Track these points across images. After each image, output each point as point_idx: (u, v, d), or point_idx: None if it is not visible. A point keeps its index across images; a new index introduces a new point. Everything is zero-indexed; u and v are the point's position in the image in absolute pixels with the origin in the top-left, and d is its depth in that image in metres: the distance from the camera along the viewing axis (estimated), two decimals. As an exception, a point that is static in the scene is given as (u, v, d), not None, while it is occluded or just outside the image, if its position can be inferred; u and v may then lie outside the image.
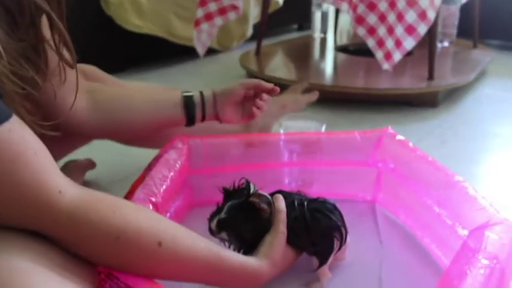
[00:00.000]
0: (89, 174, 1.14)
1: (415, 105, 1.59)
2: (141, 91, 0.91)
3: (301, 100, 1.24)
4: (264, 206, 0.69)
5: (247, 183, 0.72)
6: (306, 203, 0.74)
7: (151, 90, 0.92)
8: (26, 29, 0.63)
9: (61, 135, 0.76)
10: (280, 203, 0.72)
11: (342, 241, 0.75)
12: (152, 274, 0.59)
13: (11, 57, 0.58)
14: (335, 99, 1.62)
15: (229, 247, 0.71)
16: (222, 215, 0.70)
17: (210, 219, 0.71)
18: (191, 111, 0.91)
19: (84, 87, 0.87)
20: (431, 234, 0.83)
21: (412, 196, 0.87)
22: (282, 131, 1.01)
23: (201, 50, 1.86)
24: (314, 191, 0.80)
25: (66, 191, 0.55)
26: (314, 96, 1.27)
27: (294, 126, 1.02)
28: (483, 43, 2.23)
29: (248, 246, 0.70)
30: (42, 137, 0.57)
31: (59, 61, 0.69)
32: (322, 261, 0.74)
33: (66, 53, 0.68)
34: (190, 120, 0.92)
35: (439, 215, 0.80)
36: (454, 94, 1.70)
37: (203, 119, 0.93)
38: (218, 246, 0.65)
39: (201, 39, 1.84)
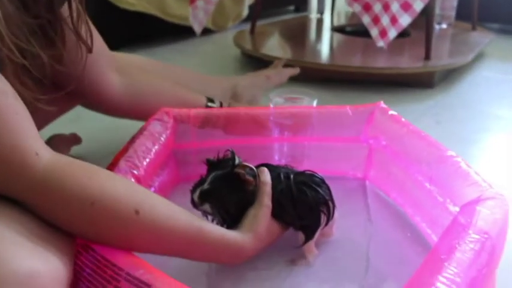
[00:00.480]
0: (75, 150, 1.12)
1: (411, 85, 1.57)
2: (173, 87, 0.97)
3: (284, 72, 1.25)
4: (249, 177, 0.67)
5: (232, 154, 0.69)
6: (292, 176, 0.71)
7: (184, 90, 0.98)
8: (43, 7, 0.66)
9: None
10: (266, 175, 0.69)
11: (329, 216, 0.73)
12: (130, 245, 0.57)
13: (18, 29, 0.60)
14: (331, 79, 1.59)
15: (212, 221, 0.69)
16: (205, 186, 0.67)
17: (193, 190, 0.69)
18: None
19: (115, 65, 0.90)
20: (422, 212, 0.80)
21: (403, 173, 0.85)
22: (272, 106, 0.98)
23: (197, 28, 1.81)
24: (304, 168, 0.77)
25: (43, 154, 0.54)
26: (296, 70, 1.28)
27: (284, 102, 0.99)
28: (483, 26, 2.20)
29: (232, 220, 0.67)
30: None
31: (77, 40, 0.72)
32: (309, 237, 0.71)
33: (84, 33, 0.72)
34: None
35: (430, 191, 0.77)
36: (451, 75, 1.67)
37: None
38: (200, 219, 0.63)
39: (197, 17, 1.80)
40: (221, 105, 1.00)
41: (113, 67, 0.90)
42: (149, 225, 0.57)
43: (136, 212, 0.56)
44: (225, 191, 0.67)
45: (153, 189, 0.86)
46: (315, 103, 0.98)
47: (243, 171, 0.67)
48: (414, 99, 1.47)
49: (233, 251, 0.63)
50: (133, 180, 0.74)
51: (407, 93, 1.52)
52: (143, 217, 0.56)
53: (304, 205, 0.70)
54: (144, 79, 0.96)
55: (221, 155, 0.71)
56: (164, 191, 0.90)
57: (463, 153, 1.10)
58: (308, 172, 0.74)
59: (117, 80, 0.90)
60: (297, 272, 0.72)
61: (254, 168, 0.68)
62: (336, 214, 0.75)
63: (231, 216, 0.68)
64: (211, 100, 1.01)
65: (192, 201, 0.68)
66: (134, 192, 0.59)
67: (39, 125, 0.97)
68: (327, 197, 0.72)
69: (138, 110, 0.95)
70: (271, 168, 0.72)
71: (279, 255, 0.73)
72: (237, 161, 0.69)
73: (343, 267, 0.74)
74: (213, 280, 0.70)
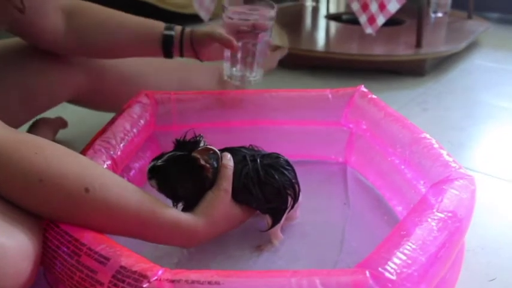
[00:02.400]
0: (61, 134, 1.12)
1: (403, 73, 1.56)
2: (122, 22, 0.90)
3: (273, 56, 1.23)
4: (205, 164, 0.65)
5: (198, 137, 0.68)
6: (259, 159, 0.70)
7: (133, 23, 0.90)
8: None
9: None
10: (227, 159, 0.67)
11: (296, 199, 0.72)
12: (83, 223, 0.57)
13: None
14: (324, 67, 1.59)
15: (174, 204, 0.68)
16: (159, 162, 0.66)
17: (150, 162, 0.68)
18: (168, 50, 0.90)
19: (59, 6, 0.87)
20: (398, 195, 0.80)
21: (381, 156, 0.85)
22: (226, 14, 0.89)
23: (204, 16, 1.78)
24: (286, 152, 0.76)
25: None
26: (284, 50, 1.26)
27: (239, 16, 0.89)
28: (481, 15, 2.18)
29: (187, 203, 0.67)
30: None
31: None
32: (276, 220, 0.71)
33: None
34: (168, 56, 0.91)
35: (405, 174, 0.77)
36: (443, 64, 1.67)
37: (181, 55, 0.92)
38: (155, 200, 0.62)
39: (204, 4, 1.77)
40: (182, 32, 0.90)
41: (58, 9, 0.86)
42: (99, 204, 0.57)
43: (86, 190, 0.56)
44: (175, 171, 0.65)
45: (133, 171, 0.87)
46: (273, 12, 0.88)
47: (199, 156, 0.65)
48: (404, 87, 1.47)
49: (185, 234, 0.62)
50: (108, 161, 0.75)
51: (398, 81, 1.52)
52: (93, 195, 0.56)
53: (271, 188, 0.69)
54: (91, 18, 0.90)
55: (192, 137, 0.70)
56: (145, 174, 0.91)
57: (447, 140, 1.12)
58: (274, 154, 0.73)
59: (61, 21, 0.87)
60: (269, 251, 0.72)
61: (217, 152, 0.67)
62: (301, 198, 0.74)
63: (178, 197, 0.67)
64: (169, 27, 0.90)
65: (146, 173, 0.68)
66: (85, 169, 0.58)
67: (37, 110, 0.99)
68: (294, 180, 0.71)
69: (85, 50, 0.92)
70: (236, 151, 0.71)
71: (244, 241, 0.73)
72: (201, 145, 0.67)
73: (319, 246, 0.74)
74: (183, 258, 0.70)
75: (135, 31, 0.90)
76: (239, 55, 0.89)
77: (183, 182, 0.66)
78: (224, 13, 0.88)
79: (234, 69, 0.91)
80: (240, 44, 0.88)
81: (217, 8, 2.28)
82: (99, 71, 1.01)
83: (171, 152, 0.68)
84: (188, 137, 0.70)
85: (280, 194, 0.70)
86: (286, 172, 0.70)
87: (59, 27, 0.87)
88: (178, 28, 0.90)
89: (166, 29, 0.89)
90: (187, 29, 0.91)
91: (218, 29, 0.89)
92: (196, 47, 0.90)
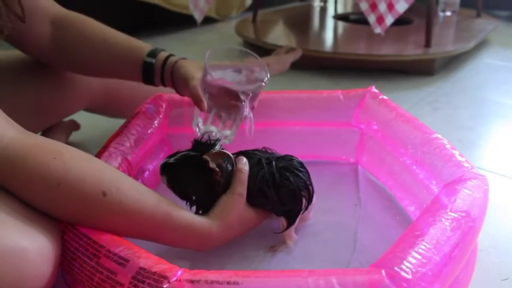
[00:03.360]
0: (74, 136, 1.13)
1: (412, 73, 1.56)
2: (107, 40, 0.85)
3: (286, 58, 1.22)
4: (215, 168, 0.65)
5: (215, 140, 0.69)
6: (274, 162, 0.70)
7: (118, 43, 0.85)
8: None
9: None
10: (242, 163, 0.68)
11: (309, 200, 0.73)
12: (100, 226, 0.58)
13: None
14: (332, 67, 1.59)
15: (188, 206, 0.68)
16: (171, 159, 0.67)
17: (166, 158, 0.69)
18: (149, 78, 0.84)
19: (50, 15, 0.85)
20: (410, 195, 0.81)
21: (393, 156, 0.85)
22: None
23: (198, 17, 1.81)
24: (298, 153, 0.77)
25: (4, 134, 0.55)
26: (298, 53, 1.25)
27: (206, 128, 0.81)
28: (490, 14, 2.17)
29: (199, 205, 0.68)
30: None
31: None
32: (291, 222, 0.71)
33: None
34: (148, 84, 0.86)
35: (417, 174, 0.78)
36: (452, 63, 1.67)
37: (164, 85, 0.86)
38: (170, 202, 0.62)
39: (198, 6, 1.80)
40: (166, 60, 0.83)
41: (47, 19, 0.85)
42: (116, 208, 0.58)
43: (104, 194, 0.56)
44: (185, 171, 0.66)
45: (147, 173, 0.88)
46: (266, 80, 0.80)
47: (209, 159, 0.65)
48: (413, 86, 1.47)
49: (199, 238, 0.63)
50: (120, 163, 0.76)
51: (408, 80, 1.52)
52: (110, 198, 0.57)
53: (287, 190, 0.69)
54: (77, 31, 0.85)
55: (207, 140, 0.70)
56: (158, 176, 0.92)
57: (458, 138, 1.12)
58: (288, 156, 0.73)
59: (48, 33, 0.84)
60: (283, 251, 0.73)
61: (231, 156, 0.67)
62: (314, 199, 0.75)
63: (188, 198, 0.68)
64: (152, 53, 0.83)
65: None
66: (101, 173, 0.59)
67: (50, 122, 1.00)
68: (308, 182, 0.72)
69: (67, 63, 0.89)
70: (250, 154, 0.71)
71: (259, 242, 0.74)
72: (217, 148, 0.68)
73: (331, 247, 0.75)
74: (197, 259, 0.71)
75: (119, 52, 0.85)
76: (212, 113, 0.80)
77: (192, 182, 0.67)
78: (205, 63, 0.77)
79: (200, 120, 0.81)
80: (214, 109, 0.79)
81: (224, 9, 2.30)
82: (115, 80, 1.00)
83: (185, 151, 0.69)
84: (205, 139, 0.70)
85: (295, 196, 0.70)
86: (300, 174, 0.71)
87: (45, 38, 0.85)
88: (162, 55, 0.83)
89: (149, 55, 0.83)
90: (173, 57, 0.83)
91: (199, 73, 0.79)
92: (175, 82, 0.83)
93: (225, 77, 0.80)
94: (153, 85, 0.85)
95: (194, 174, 0.66)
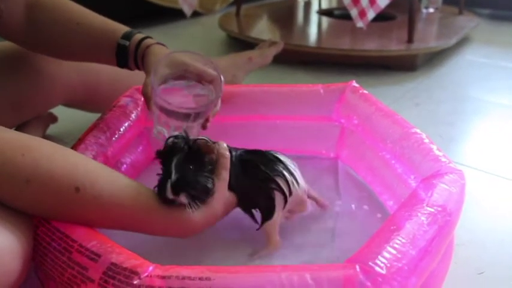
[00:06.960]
0: (51, 129, 1.12)
1: (394, 68, 1.56)
2: (82, 23, 0.82)
3: (268, 52, 1.22)
4: (211, 144, 0.63)
5: (185, 133, 0.64)
6: (234, 154, 0.68)
7: (94, 26, 0.82)
8: None
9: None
10: (223, 148, 0.66)
11: (283, 192, 0.70)
12: (75, 221, 0.57)
13: None
14: (315, 62, 1.59)
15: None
16: (173, 177, 0.59)
17: (160, 188, 0.60)
18: (123, 61, 0.82)
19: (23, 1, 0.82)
20: (389, 190, 0.81)
21: (372, 151, 0.85)
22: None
23: (187, 10, 1.79)
24: (278, 147, 0.76)
25: None
26: (279, 46, 1.25)
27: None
28: (472, 11, 2.19)
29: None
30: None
31: None
32: (266, 217, 0.70)
33: None
34: (122, 67, 0.83)
35: (396, 169, 0.78)
36: (434, 59, 1.67)
37: (138, 68, 0.82)
38: (148, 191, 0.61)
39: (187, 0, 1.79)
40: (140, 42, 0.79)
41: (22, 1, 0.82)
42: (91, 203, 0.56)
43: (77, 190, 0.55)
44: (193, 172, 0.61)
45: (125, 166, 0.87)
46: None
47: (204, 139, 0.63)
48: (395, 82, 1.48)
49: (182, 225, 0.61)
50: (100, 157, 0.75)
51: (390, 76, 1.52)
52: (84, 194, 0.55)
53: (250, 184, 0.68)
54: (52, 13, 0.83)
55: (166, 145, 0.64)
56: (137, 169, 0.91)
57: (438, 134, 1.12)
58: (260, 151, 0.72)
59: (23, 14, 0.82)
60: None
61: (210, 141, 0.64)
62: (305, 191, 0.74)
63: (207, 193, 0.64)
64: (127, 35, 0.79)
65: (165, 200, 0.59)
66: (75, 168, 0.57)
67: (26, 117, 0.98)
68: (275, 173, 0.70)
69: (42, 46, 0.86)
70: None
71: (241, 247, 0.73)
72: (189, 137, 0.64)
73: (308, 243, 0.74)
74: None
75: (93, 34, 0.82)
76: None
77: (203, 176, 0.62)
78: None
79: (163, 129, 0.76)
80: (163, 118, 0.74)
81: (208, 2, 2.28)
82: (93, 72, 0.99)
83: (168, 162, 0.61)
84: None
85: (261, 190, 0.69)
86: (262, 167, 0.69)
87: (20, 20, 0.82)
88: (137, 38, 0.79)
89: (124, 37, 0.79)
90: (148, 40, 0.79)
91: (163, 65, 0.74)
92: (145, 69, 0.78)
93: (173, 96, 0.75)
94: (128, 69, 0.83)
95: (199, 169, 0.62)
